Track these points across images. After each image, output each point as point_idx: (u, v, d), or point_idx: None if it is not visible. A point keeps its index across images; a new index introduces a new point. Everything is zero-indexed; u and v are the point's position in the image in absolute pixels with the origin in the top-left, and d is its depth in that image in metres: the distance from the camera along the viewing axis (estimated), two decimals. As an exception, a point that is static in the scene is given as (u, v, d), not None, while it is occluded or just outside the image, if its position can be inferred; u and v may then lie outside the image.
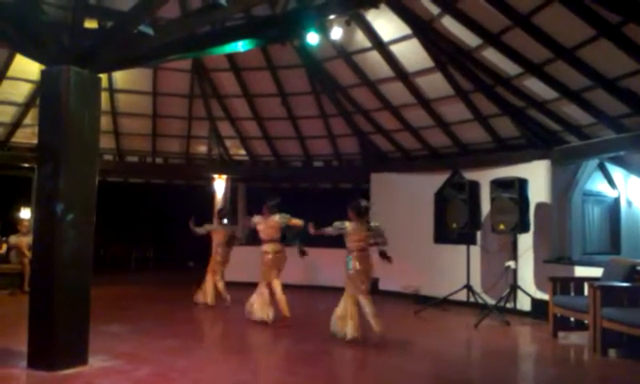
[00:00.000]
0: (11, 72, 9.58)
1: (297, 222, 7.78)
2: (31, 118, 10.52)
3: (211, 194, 12.75)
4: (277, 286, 7.63)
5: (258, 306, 7.52)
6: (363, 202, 6.69)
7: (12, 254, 10.30)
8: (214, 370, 5.25)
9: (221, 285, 9.08)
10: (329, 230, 6.79)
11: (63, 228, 4.76)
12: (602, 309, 5.95)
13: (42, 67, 5.18)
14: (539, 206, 8.60)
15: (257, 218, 7.91)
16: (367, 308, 6.50)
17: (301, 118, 11.20)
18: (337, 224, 6.71)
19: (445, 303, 8.73)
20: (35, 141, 10.31)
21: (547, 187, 8.67)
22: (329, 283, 9.90)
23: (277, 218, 7.78)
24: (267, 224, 7.75)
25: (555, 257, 8.47)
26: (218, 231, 9.29)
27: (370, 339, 6.45)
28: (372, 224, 6.75)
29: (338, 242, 7.02)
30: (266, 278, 7.64)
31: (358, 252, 6.57)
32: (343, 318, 6.54)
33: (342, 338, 6.44)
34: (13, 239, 10.31)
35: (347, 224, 6.64)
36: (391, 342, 6.90)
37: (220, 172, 12.67)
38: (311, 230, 7.00)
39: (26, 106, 10.43)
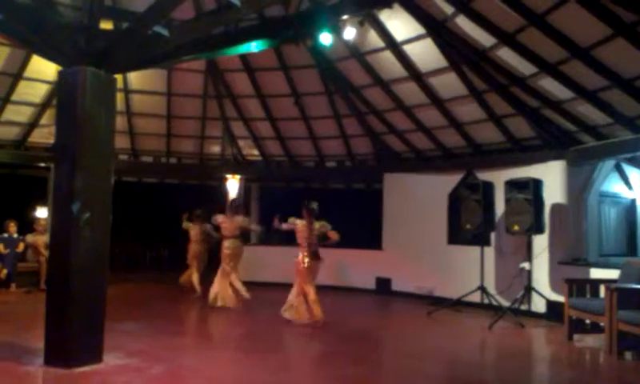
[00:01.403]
0: (28, 73, 9.71)
1: (255, 228, 9.84)
2: (47, 118, 10.66)
3: (224, 194, 12.82)
4: (235, 279, 8.67)
5: (229, 298, 8.56)
6: (313, 203, 7.46)
7: (29, 252, 10.45)
8: (226, 369, 5.28)
9: (195, 277, 9.96)
10: (284, 226, 7.60)
11: (79, 227, 4.81)
12: (618, 311, 5.88)
13: (59, 68, 5.24)
14: (554, 206, 8.51)
15: (220, 217, 8.86)
16: (311, 296, 7.31)
17: (314, 118, 11.21)
18: (291, 220, 7.55)
19: (458, 304, 8.68)
20: (51, 141, 10.48)
21: (562, 188, 8.58)
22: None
23: (240, 218, 8.92)
24: (231, 223, 8.72)
25: (571, 258, 8.38)
26: (193, 229, 10.22)
27: (314, 324, 7.22)
28: (320, 223, 7.50)
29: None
30: (226, 271, 8.63)
31: (307, 248, 7.37)
32: (293, 307, 7.40)
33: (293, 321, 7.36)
34: (29, 238, 10.45)
35: (298, 221, 7.46)
36: (405, 342, 6.90)
37: (233, 172, 12.73)
38: (276, 223, 7.70)
39: (42, 107, 10.55)
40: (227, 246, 8.74)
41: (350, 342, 6.61)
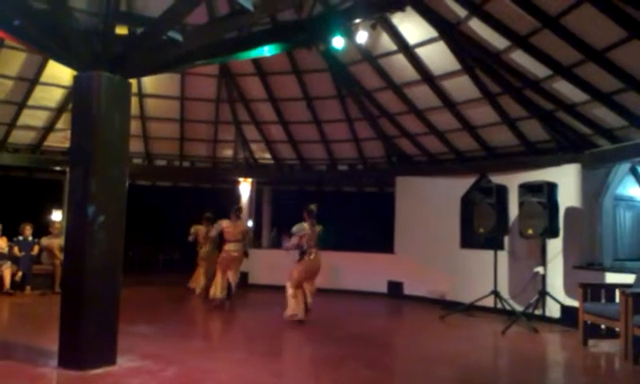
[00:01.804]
0: (44, 77, 9.85)
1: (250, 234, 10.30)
2: (63, 122, 10.78)
3: (237, 197, 12.87)
4: (232, 277, 9.02)
5: (215, 288, 8.95)
6: (312, 205, 7.72)
7: (43, 255, 10.56)
8: (239, 372, 5.29)
9: (202, 279, 10.29)
10: (293, 241, 7.63)
11: (94, 230, 4.86)
12: (633, 316, 5.80)
13: (74, 73, 5.29)
14: (569, 210, 8.43)
15: (225, 223, 9.04)
16: (308, 293, 7.71)
17: (326, 121, 11.23)
18: (297, 227, 7.60)
19: (471, 309, 8.62)
20: (67, 145, 10.60)
21: (577, 191, 8.49)
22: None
23: (242, 223, 9.30)
24: (235, 228, 8.98)
25: (585, 263, 8.29)
26: (201, 231, 10.54)
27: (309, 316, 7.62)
28: (319, 227, 7.73)
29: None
30: (223, 269, 8.98)
31: (310, 248, 7.59)
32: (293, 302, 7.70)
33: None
34: (44, 241, 10.56)
35: (305, 226, 7.60)
36: (417, 346, 6.87)
37: (245, 175, 12.79)
38: (286, 244, 7.76)
39: (58, 111, 10.68)
40: (232, 249, 8.98)
41: (362, 345, 6.59)
